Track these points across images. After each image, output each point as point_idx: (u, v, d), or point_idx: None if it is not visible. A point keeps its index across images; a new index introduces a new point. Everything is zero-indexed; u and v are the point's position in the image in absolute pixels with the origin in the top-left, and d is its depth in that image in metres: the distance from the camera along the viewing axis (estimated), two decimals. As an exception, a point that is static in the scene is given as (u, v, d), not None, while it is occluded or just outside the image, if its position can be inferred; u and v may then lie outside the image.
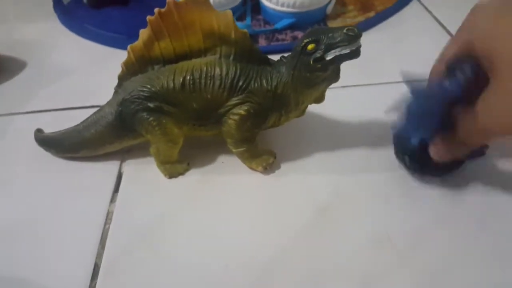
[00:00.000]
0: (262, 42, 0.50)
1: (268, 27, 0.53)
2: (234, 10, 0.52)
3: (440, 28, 0.53)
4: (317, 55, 0.30)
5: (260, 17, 0.55)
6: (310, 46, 0.30)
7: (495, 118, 0.27)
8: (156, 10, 0.31)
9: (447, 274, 0.29)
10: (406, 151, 0.34)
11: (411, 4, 0.58)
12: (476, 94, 0.28)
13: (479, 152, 0.32)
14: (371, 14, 0.54)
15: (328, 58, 0.30)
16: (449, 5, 0.57)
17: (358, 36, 0.29)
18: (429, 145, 0.32)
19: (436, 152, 0.31)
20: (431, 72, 0.32)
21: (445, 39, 0.50)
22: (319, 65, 0.30)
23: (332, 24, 0.53)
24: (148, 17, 0.31)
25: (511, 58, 0.25)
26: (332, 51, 0.30)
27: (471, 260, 0.29)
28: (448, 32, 0.52)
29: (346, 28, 0.29)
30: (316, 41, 0.30)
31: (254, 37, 0.51)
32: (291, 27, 0.52)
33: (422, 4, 0.58)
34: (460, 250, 0.30)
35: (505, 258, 0.29)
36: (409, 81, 0.30)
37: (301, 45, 0.30)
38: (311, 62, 0.30)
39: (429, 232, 0.31)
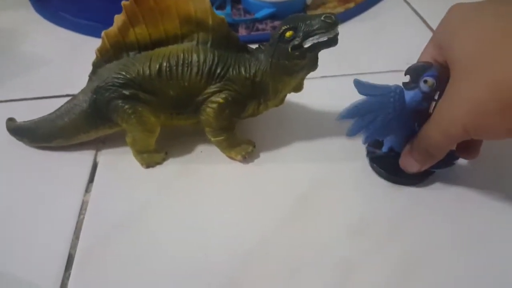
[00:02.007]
0: (242, 32, 0.50)
1: (248, 17, 0.52)
2: (214, -1, 0.52)
3: (418, 20, 0.54)
4: (295, 42, 0.30)
5: (240, 6, 0.54)
6: (288, 34, 0.30)
7: (450, 119, 0.27)
8: (131, -6, 0.30)
9: (423, 261, 0.29)
10: (377, 160, 0.34)
11: (390, -5, 0.58)
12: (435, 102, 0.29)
13: (449, 162, 0.32)
14: (351, 5, 0.54)
15: (306, 45, 0.30)
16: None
17: (336, 23, 0.29)
18: (398, 154, 0.33)
19: (405, 163, 0.32)
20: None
21: (423, 31, 0.51)
22: (297, 53, 0.30)
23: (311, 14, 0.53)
24: (123, 2, 0.30)
25: (465, 62, 0.26)
26: (310, 38, 0.30)
27: (444, 247, 0.30)
28: (426, 23, 0.53)
29: (323, 16, 0.29)
30: (294, 29, 0.30)
31: (234, 26, 0.51)
32: (272, 17, 0.52)
33: (401, -4, 0.58)
34: (433, 239, 0.30)
35: (473, 245, 0.30)
36: (366, 91, 0.30)
37: (279, 32, 0.30)
38: (289, 50, 0.30)
39: (405, 221, 0.31)
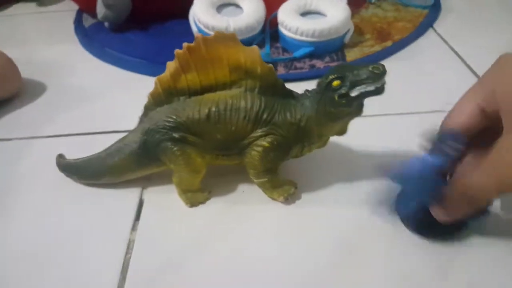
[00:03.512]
0: (281, 70, 0.51)
1: (286, 55, 0.53)
2: (253, 38, 0.53)
3: (456, 57, 0.53)
4: (342, 91, 0.30)
5: (278, 45, 0.55)
6: (335, 83, 0.31)
7: (507, 167, 0.26)
8: (184, 44, 0.31)
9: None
10: (409, 219, 0.34)
11: (427, 33, 0.59)
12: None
13: (483, 211, 0.32)
14: (388, 43, 0.55)
15: (353, 94, 0.30)
16: (465, 35, 0.57)
17: (383, 73, 0.30)
18: (429, 209, 0.32)
19: (438, 213, 0.31)
20: (445, 123, 0.32)
21: (461, 68, 0.51)
22: (344, 101, 0.31)
23: (349, 52, 0.54)
24: (176, 51, 0.32)
25: None
26: (357, 87, 0.30)
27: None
28: (464, 61, 0.52)
29: (371, 66, 0.30)
30: (342, 78, 0.30)
31: (272, 65, 0.52)
32: (310, 55, 0.53)
33: (439, 34, 0.58)
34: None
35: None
36: (387, 173, 0.30)
37: (327, 81, 0.31)
38: (336, 98, 0.31)
39: (447, 277, 0.31)
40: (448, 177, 0.32)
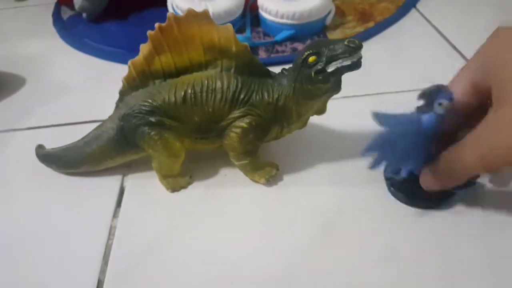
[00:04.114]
0: (262, 54, 0.51)
1: (267, 39, 0.53)
2: (233, 22, 0.53)
3: (439, 37, 0.53)
4: (318, 67, 0.30)
5: (259, 29, 0.55)
6: (311, 59, 0.30)
7: (492, 145, 0.26)
8: (156, 24, 0.31)
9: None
10: (396, 185, 0.34)
11: (410, 14, 0.58)
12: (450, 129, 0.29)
13: (470, 182, 0.32)
14: (370, 24, 0.55)
15: (329, 70, 0.30)
16: (448, 15, 0.57)
17: (359, 47, 0.29)
18: (418, 177, 0.32)
19: (425, 182, 0.32)
20: None
21: (445, 48, 0.51)
22: (320, 77, 0.30)
23: (331, 35, 0.53)
24: (149, 32, 0.31)
25: None
26: (334, 63, 0.30)
27: (473, 275, 0.29)
28: (448, 41, 0.52)
29: (347, 40, 0.29)
30: (317, 54, 0.30)
31: (254, 49, 0.52)
32: (291, 38, 0.52)
33: (421, 14, 0.58)
34: (462, 264, 0.29)
35: (504, 274, 0.29)
36: (381, 120, 0.30)
37: (302, 57, 0.30)
38: (313, 74, 0.30)
39: (432, 247, 0.31)
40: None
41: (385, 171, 0.34)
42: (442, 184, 0.31)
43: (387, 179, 0.35)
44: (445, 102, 0.28)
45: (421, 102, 0.30)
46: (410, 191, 0.33)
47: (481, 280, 0.28)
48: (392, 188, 0.34)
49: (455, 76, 0.31)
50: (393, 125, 0.30)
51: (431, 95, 0.29)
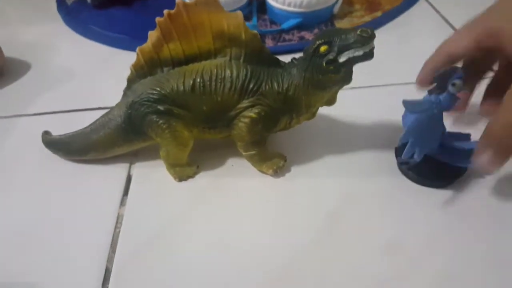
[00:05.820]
0: (269, 43, 0.50)
1: (274, 27, 0.52)
2: (240, 10, 0.52)
3: (448, 28, 0.53)
4: (330, 57, 0.30)
5: (266, 17, 0.54)
6: (322, 48, 0.30)
7: None
8: (165, 11, 0.30)
9: (459, 279, 0.28)
10: (408, 165, 0.34)
11: (418, 3, 0.58)
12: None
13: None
14: (378, 13, 0.54)
15: (341, 60, 0.29)
16: (457, 4, 0.56)
17: (372, 37, 0.29)
18: (430, 157, 0.33)
19: (484, 163, 0.29)
20: (426, 63, 0.33)
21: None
22: (332, 67, 0.30)
23: (339, 23, 0.53)
24: (157, 19, 0.31)
25: None
26: (345, 52, 0.29)
27: (480, 265, 0.29)
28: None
29: (359, 30, 0.29)
30: (329, 43, 0.30)
31: (260, 37, 0.51)
32: (298, 27, 0.52)
33: (430, 4, 0.57)
34: (469, 255, 0.30)
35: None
36: (414, 109, 0.30)
37: (313, 47, 0.30)
38: (324, 64, 0.30)
39: (439, 237, 0.31)
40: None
41: (397, 156, 0.35)
42: (499, 158, 0.29)
43: (402, 164, 0.35)
44: (458, 82, 0.29)
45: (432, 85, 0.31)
46: (429, 171, 0.33)
47: (485, 269, 0.28)
48: (410, 172, 0.34)
49: (456, 31, 0.33)
50: (420, 111, 0.30)
51: (444, 77, 0.29)
